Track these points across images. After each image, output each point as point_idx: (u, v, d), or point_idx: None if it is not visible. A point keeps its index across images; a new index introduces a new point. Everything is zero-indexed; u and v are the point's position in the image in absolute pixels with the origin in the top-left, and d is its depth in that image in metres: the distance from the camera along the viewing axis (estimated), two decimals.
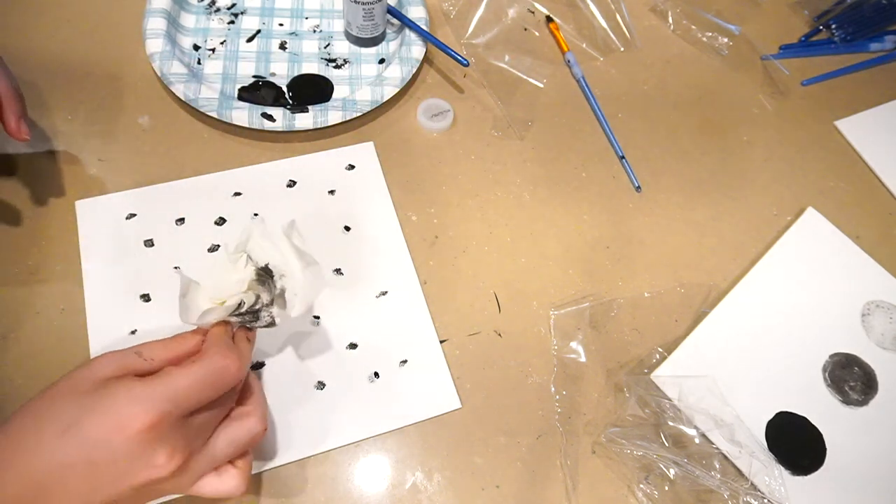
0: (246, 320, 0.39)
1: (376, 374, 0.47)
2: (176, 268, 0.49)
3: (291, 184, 0.54)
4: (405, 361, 0.48)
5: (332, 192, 0.54)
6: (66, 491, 0.31)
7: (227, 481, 0.36)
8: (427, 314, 0.49)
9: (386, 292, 0.50)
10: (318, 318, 0.48)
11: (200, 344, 0.37)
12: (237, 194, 0.53)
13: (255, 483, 0.43)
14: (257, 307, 0.39)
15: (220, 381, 0.35)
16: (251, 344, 0.40)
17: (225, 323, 0.38)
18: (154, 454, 0.32)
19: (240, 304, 0.38)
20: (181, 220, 0.51)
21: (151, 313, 0.47)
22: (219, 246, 0.50)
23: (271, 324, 0.40)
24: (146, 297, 0.48)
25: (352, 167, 0.56)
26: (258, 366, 0.46)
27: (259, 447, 0.43)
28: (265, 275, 0.39)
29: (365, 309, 0.49)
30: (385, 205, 0.54)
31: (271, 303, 0.39)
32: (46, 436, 0.31)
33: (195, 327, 0.38)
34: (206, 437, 0.35)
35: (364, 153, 0.56)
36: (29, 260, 0.49)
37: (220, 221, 0.52)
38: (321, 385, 0.46)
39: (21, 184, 0.52)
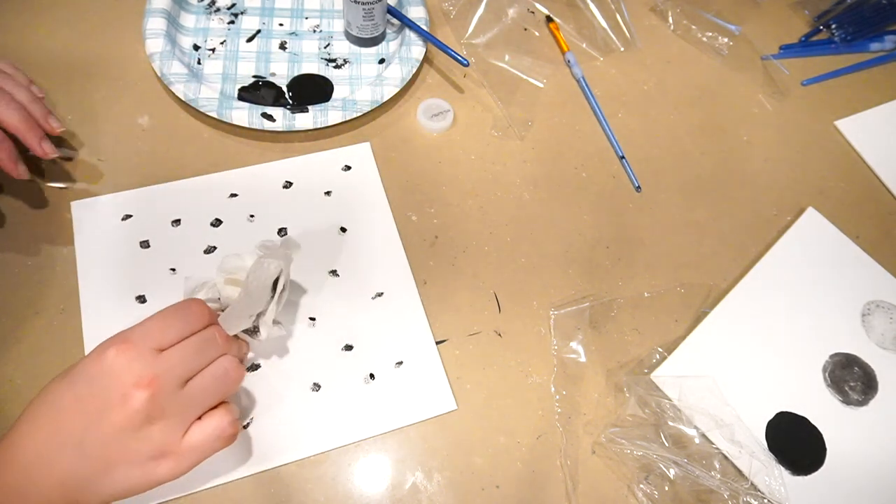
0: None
1: (371, 376, 0.47)
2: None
3: (287, 185, 0.54)
4: (401, 363, 0.47)
5: (328, 193, 0.54)
6: (58, 429, 0.35)
7: (211, 421, 0.38)
8: (423, 315, 0.49)
9: (382, 294, 0.50)
10: (313, 319, 0.48)
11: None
12: (233, 195, 0.53)
13: (255, 483, 0.43)
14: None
15: (182, 314, 0.39)
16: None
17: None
18: (123, 375, 0.35)
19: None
20: (177, 222, 0.51)
21: (147, 314, 0.46)
22: (215, 248, 0.50)
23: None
24: (141, 299, 0.48)
25: (348, 168, 0.56)
26: (254, 367, 0.46)
27: (259, 447, 0.43)
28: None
29: (361, 310, 0.49)
30: (381, 205, 0.54)
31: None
32: (51, 384, 0.37)
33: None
34: (180, 378, 0.37)
35: (360, 154, 0.56)
36: (28, 260, 0.49)
37: (216, 223, 0.52)
38: (317, 387, 0.46)
39: (20, 184, 0.51)
